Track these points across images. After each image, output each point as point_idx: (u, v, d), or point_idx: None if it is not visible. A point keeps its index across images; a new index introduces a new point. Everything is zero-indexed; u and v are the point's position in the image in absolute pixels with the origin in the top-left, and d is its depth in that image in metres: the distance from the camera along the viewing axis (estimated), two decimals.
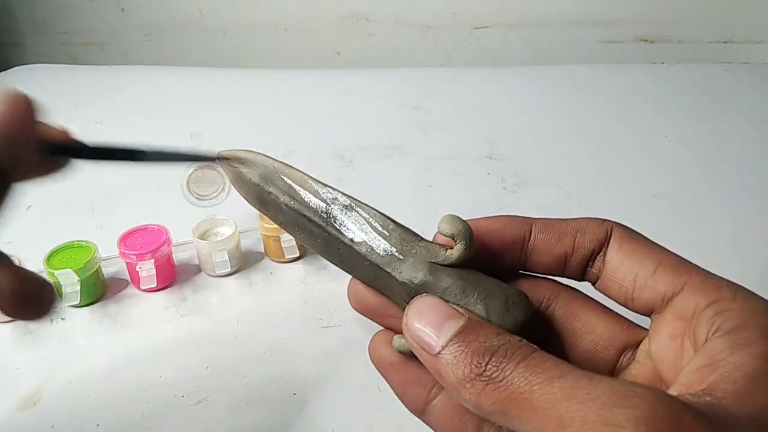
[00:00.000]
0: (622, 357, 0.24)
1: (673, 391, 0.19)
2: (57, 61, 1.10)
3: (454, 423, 0.24)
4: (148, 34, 1.18)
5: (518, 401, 0.18)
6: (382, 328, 0.26)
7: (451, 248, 0.23)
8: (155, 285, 0.51)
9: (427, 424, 0.25)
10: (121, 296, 0.52)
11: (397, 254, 0.24)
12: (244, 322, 0.49)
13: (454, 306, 0.22)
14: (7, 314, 0.23)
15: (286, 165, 0.27)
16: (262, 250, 0.56)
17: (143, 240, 0.52)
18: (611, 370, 0.24)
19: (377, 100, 0.88)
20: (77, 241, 0.52)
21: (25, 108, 0.22)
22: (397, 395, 0.25)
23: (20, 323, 0.49)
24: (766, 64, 0.99)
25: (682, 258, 0.22)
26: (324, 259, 0.27)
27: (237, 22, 1.15)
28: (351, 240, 0.25)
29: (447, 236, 0.23)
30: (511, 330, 0.21)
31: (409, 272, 0.24)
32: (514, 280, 0.25)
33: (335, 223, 0.25)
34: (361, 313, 0.26)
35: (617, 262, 0.23)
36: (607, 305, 0.25)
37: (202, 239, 0.53)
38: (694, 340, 0.20)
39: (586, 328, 0.24)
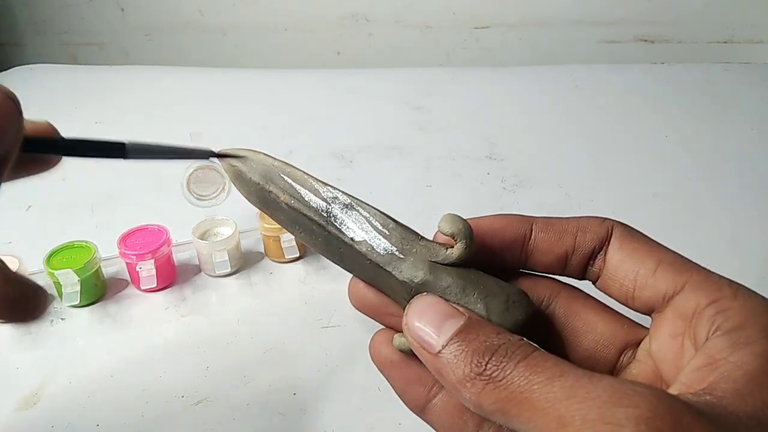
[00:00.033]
0: (623, 356, 0.24)
1: (673, 390, 0.19)
2: (57, 61, 1.10)
3: (455, 422, 0.24)
4: (148, 34, 1.18)
5: (518, 400, 0.18)
6: (382, 327, 0.26)
7: (452, 247, 0.23)
8: (155, 285, 0.51)
9: (428, 423, 0.25)
10: (121, 296, 0.52)
11: (397, 253, 0.24)
12: (244, 322, 0.49)
13: (455, 305, 0.22)
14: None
15: (287, 164, 0.27)
16: (262, 250, 0.56)
17: (143, 240, 0.52)
18: (612, 369, 0.24)
19: (377, 100, 0.88)
20: (77, 241, 0.52)
21: (7, 104, 0.21)
22: (398, 394, 0.25)
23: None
24: (766, 64, 0.99)
25: (683, 257, 0.22)
26: (324, 259, 0.27)
27: (237, 22, 1.15)
28: (351, 239, 0.25)
29: (447, 235, 0.23)
30: (511, 329, 0.21)
31: (410, 271, 0.24)
32: (514, 279, 0.25)
33: (335, 222, 0.25)
34: (362, 312, 0.26)
35: (618, 260, 0.23)
36: (608, 304, 0.25)
37: (202, 239, 0.53)
38: (694, 339, 0.20)
39: (587, 327, 0.24)
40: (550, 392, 0.17)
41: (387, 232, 0.25)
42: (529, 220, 0.25)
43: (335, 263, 0.26)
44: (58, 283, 0.49)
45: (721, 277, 0.21)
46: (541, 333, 0.24)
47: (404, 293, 0.24)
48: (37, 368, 0.45)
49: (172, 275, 0.53)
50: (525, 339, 0.20)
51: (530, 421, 0.17)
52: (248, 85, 0.93)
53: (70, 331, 0.49)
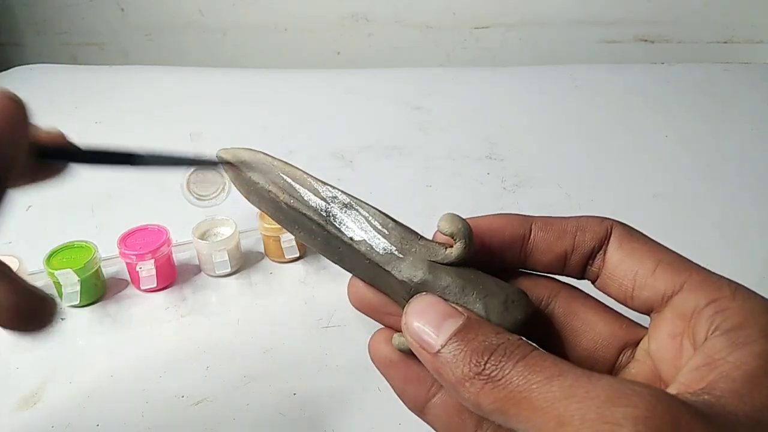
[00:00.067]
0: (622, 355, 0.24)
1: (672, 390, 0.18)
2: (57, 61, 1.10)
3: (454, 421, 0.24)
4: (148, 34, 1.18)
5: (517, 400, 0.18)
6: (382, 327, 0.26)
7: (451, 247, 0.23)
8: (155, 285, 0.51)
9: (427, 422, 0.25)
10: (121, 296, 0.52)
11: (396, 253, 0.24)
12: (244, 322, 0.49)
13: (454, 305, 0.22)
14: (6, 328, 0.22)
15: (286, 163, 0.27)
16: (262, 250, 0.56)
17: (143, 240, 0.52)
18: (611, 368, 0.24)
19: (377, 100, 0.88)
20: (77, 241, 0.52)
21: (16, 109, 0.21)
22: (397, 393, 0.25)
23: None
24: (766, 64, 0.99)
25: (682, 257, 0.22)
26: (324, 259, 0.27)
27: (237, 22, 1.15)
28: (351, 238, 0.25)
29: (446, 235, 0.23)
30: (510, 329, 0.21)
31: (409, 271, 0.24)
32: (513, 279, 0.25)
33: (335, 221, 0.25)
34: (361, 312, 0.26)
35: (617, 260, 0.23)
36: (607, 304, 0.25)
37: (202, 239, 0.53)
38: (693, 338, 0.20)
39: (586, 326, 0.24)
40: (548, 392, 0.17)
41: (386, 232, 0.25)
42: (529, 220, 0.25)
43: (335, 263, 0.26)
44: (58, 283, 0.49)
45: (720, 277, 0.21)
46: (541, 332, 0.24)
47: (403, 293, 0.24)
48: (37, 368, 0.45)
49: (172, 275, 0.53)
50: (524, 338, 0.20)
51: (529, 421, 0.17)
52: (248, 85, 0.93)
53: (70, 331, 0.49)
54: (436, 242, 0.24)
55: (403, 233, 0.25)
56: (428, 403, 0.24)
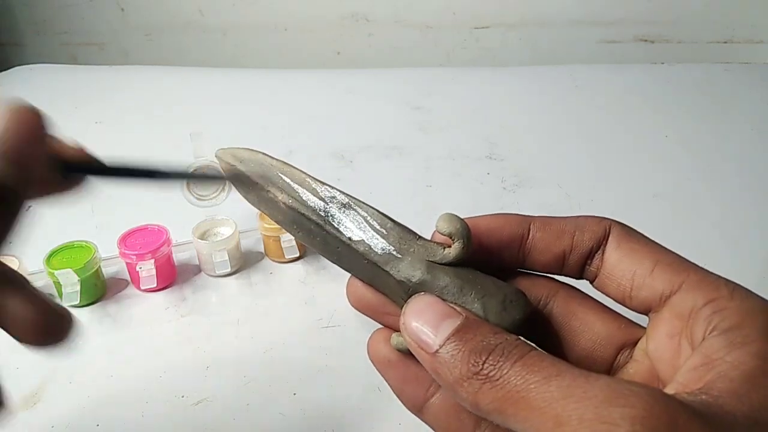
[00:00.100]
0: (620, 355, 0.24)
1: (669, 390, 0.19)
2: (57, 61, 1.10)
3: (452, 421, 0.24)
4: (148, 34, 1.18)
5: (515, 400, 0.18)
6: (381, 326, 0.26)
7: (449, 247, 0.24)
8: (155, 285, 0.51)
9: (425, 422, 0.25)
10: (121, 296, 0.52)
11: (395, 253, 0.24)
12: (244, 322, 0.49)
13: (452, 305, 0.22)
14: (25, 343, 0.21)
15: (285, 163, 0.27)
16: (262, 250, 0.56)
17: (143, 240, 0.52)
18: (609, 368, 0.24)
19: (377, 100, 0.88)
20: (77, 241, 0.52)
21: (35, 122, 0.21)
22: (395, 393, 0.25)
23: None
24: (766, 64, 0.99)
25: (681, 256, 0.22)
26: (324, 259, 0.27)
27: (237, 22, 1.15)
28: (349, 238, 0.25)
29: (445, 235, 0.23)
30: (508, 329, 0.21)
31: (407, 271, 0.24)
32: (512, 279, 0.25)
33: (333, 221, 0.25)
34: (360, 311, 0.26)
35: (615, 260, 0.23)
36: (605, 304, 0.25)
37: (202, 239, 0.53)
38: (691, 338, 0.20)
39: (584, 326, 0.24)
40: (546, 392, 0.17)
41: (385, 232, 0.25)
42: (527, 220, 0.25)
43: (333, 263, 0.26)
44: (58, 283, 0.49)
45: (718, 277, 0.21)
46: (539, 332, 0.24)
47: (402, 293, 0.24)
48: (37, 368, 0.45)
49: (172, 275, 0.53)
50: (522, 338, 0.20)
51: (527, 421, 0.18)
52: (248, 85, 0.93)
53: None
54: (435, 242, 0.24)
55: (402, 233, 0.25)
56: (427, 403, 0.25)
